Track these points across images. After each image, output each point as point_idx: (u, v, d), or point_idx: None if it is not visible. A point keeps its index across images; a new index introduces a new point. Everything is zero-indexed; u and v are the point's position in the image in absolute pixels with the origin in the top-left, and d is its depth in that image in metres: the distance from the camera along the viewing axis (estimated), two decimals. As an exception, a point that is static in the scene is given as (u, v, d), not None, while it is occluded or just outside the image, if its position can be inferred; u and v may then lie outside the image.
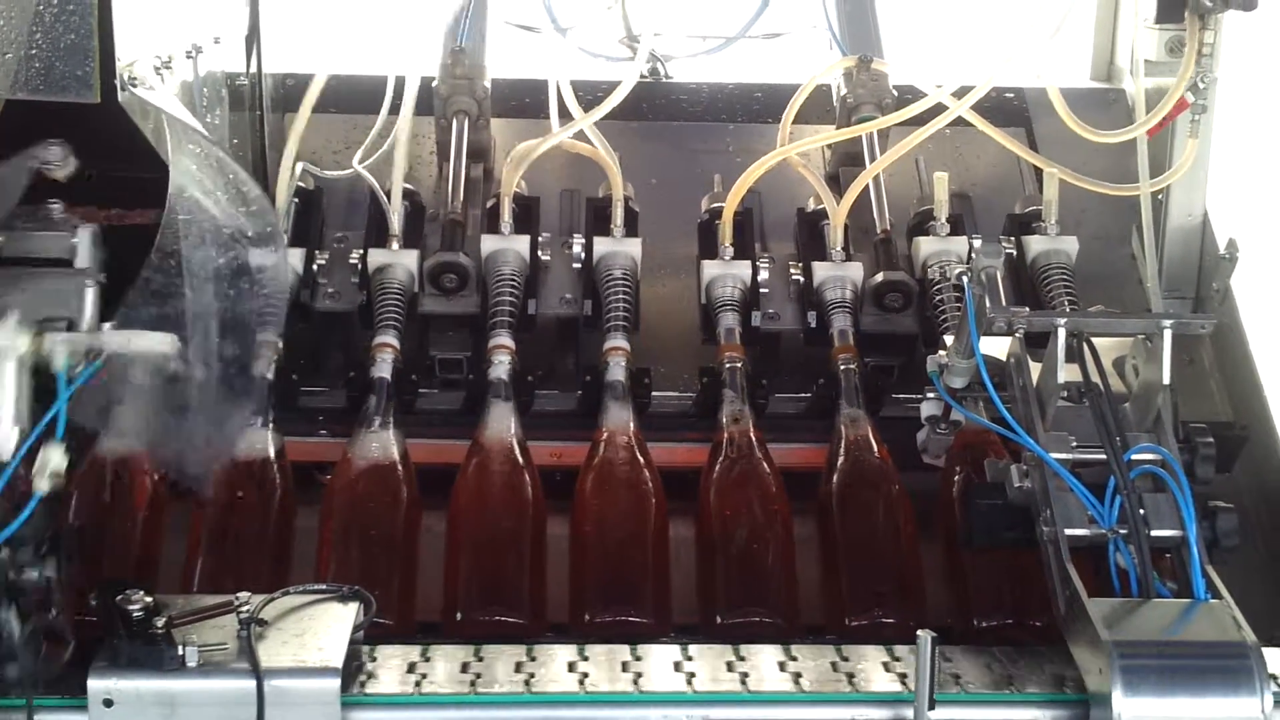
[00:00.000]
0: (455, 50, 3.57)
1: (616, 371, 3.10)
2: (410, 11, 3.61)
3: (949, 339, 2.89)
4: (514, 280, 3.26)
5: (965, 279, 2.75)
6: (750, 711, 2.39)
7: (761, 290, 3.31)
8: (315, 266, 3.30)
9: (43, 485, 2.26)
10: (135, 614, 2.28)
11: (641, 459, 2.96)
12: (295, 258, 3.26)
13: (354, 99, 3.58)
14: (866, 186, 3.40)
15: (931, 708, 2.28)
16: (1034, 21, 3.34)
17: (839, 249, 3.33)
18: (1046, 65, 3.50)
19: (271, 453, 2.94)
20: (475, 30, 3.66)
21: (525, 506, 2.88)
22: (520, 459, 2.95)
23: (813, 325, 3.29)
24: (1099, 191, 3.37)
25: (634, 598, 2.78)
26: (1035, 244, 3.36)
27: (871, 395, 3.13)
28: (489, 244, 3.31)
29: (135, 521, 2.81)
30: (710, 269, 3.33)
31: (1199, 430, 2.68)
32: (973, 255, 2.81)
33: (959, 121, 3.35)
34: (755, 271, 3.31)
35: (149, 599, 2.31)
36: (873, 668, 2.46)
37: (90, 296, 2.44)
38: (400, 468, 2.94)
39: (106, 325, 2.43)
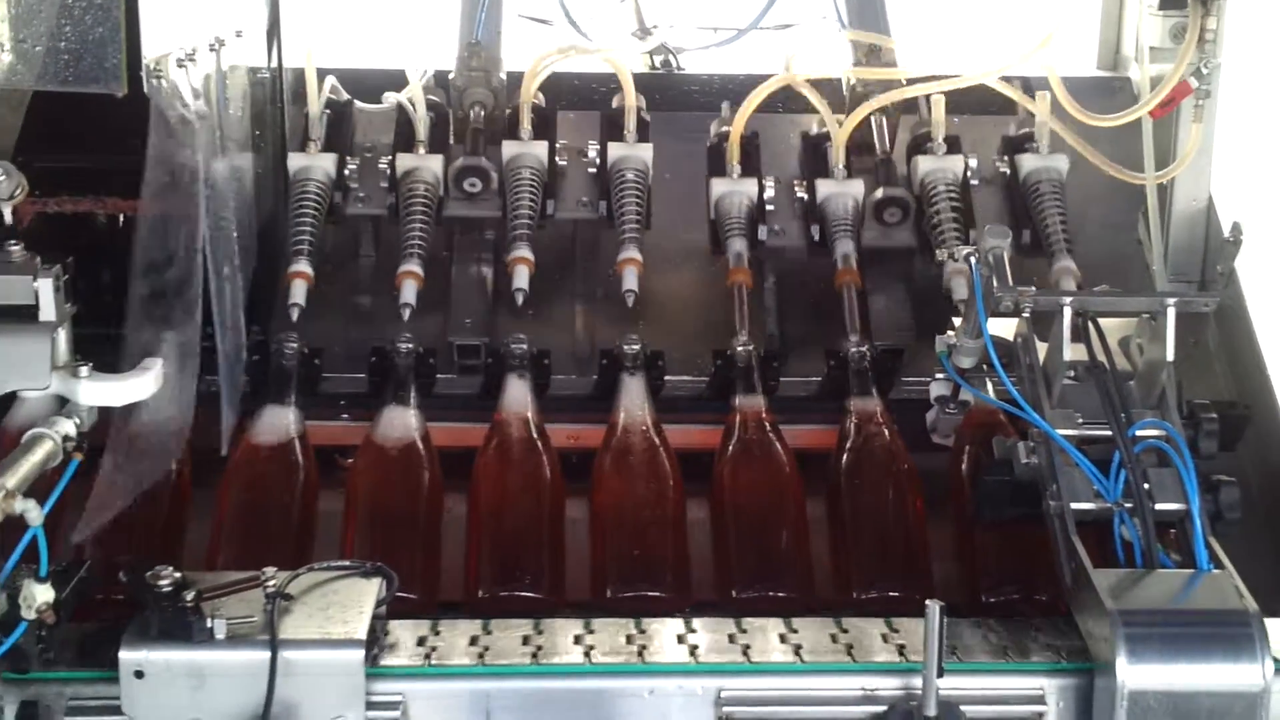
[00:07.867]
0: (471, 44, 3.63)
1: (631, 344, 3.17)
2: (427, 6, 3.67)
3: (957, 320, 2.94)
4: (533, 184, 3.38)
5: (973, 260, 2.80)
6: (758, 681, 2.45)
7: (767, 207, 3.45)
8: (346, 171, 3.43)
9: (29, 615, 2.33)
10: (165, 589, 2.34)
11: (658, 439, 3.02)
12: (328, 163, 3.41)
13: (370, 94, 3.62)
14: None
15: (940, 675, 2.33)
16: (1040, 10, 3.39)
17: (841, 167, 3.45)
18: (1051, 53, 3.54)
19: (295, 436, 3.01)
20: (490, 24, 3.72)
21: (544, 483, 2.94)
22: (538, 435, 3.01)
23: (816, 239, 3.42)
24: (1104, 170, 3.41)
25: (654, 574, 2.84)
26: (1027, 162, 3.49)
27: (881, 376, 3.18)
28: (509, 149, 3.43)
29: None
30: (718, 186, 3.45)
31: (1202, 406, 2.73)
32: (980, 237, 2.87)
33: (964, 108, 3.43)
34: (761, 189, 3.44)
35: (177, 575, 2.37)
36: (873, 639, 2.53)
37: (61, 344, 2.48)
38: (422, 446, 3.00)
39: (84, 369, 2.48)
